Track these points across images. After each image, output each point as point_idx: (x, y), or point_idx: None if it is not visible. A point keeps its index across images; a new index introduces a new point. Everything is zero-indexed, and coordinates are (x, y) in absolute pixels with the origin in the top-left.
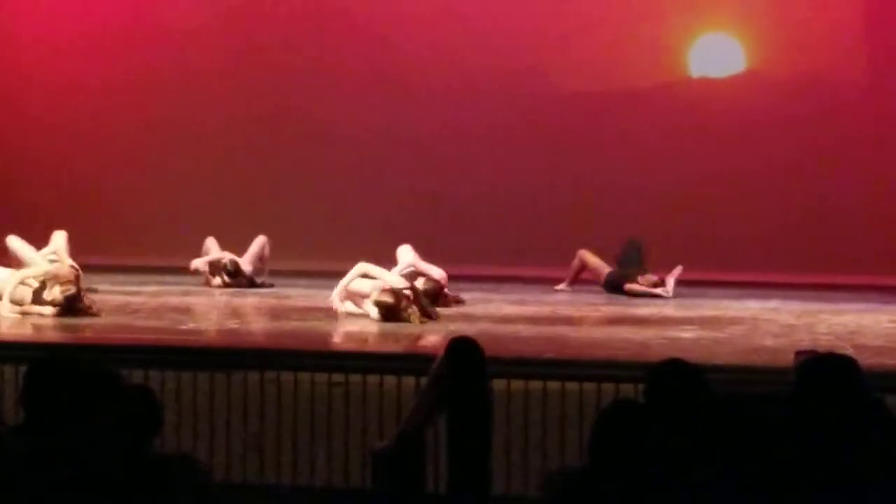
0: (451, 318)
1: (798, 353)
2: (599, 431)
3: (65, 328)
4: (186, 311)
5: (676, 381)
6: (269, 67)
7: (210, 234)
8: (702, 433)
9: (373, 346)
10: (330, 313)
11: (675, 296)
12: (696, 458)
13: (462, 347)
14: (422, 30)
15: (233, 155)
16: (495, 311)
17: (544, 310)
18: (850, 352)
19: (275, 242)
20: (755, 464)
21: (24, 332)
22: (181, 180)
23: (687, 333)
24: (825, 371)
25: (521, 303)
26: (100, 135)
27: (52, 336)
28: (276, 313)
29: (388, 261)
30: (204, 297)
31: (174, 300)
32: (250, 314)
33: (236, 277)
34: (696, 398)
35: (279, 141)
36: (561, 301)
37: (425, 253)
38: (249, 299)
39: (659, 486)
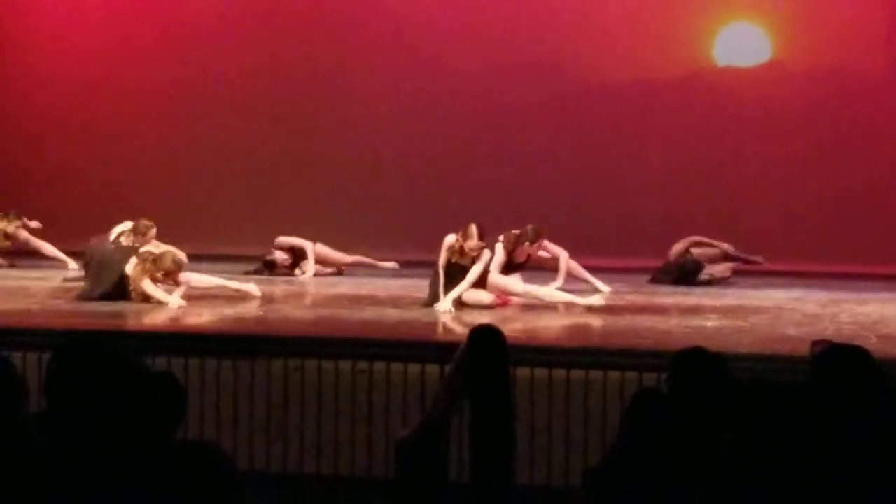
0: (475, 307)
1: (815, 343)
2: (629, 420)
3: (89, 315)
4: (208, 299)
5: (699, 369)
6: (283, 66)
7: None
8: (725, 420)
9: (397, 334)
10: (353, 301)
11: (698, 284)
12: (719, 444)
13: (485, 335)
14: (440, 22)
15: (246, 154)
16: (519, 300)
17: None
18: (874, 342)
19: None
20: (775, 451)
21: (47, 319)
22: (196, 178)
23: (710, 322)
24: (840, 361)
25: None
26: (117, 135)
27: (75, 323)
28: (300, 301)
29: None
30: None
31: (194, 292)
32: (275, 302)
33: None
34: (719, 386)
35: (292, 137)
36: (585, 290)
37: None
38: (275, 287)
39: (685, 472)
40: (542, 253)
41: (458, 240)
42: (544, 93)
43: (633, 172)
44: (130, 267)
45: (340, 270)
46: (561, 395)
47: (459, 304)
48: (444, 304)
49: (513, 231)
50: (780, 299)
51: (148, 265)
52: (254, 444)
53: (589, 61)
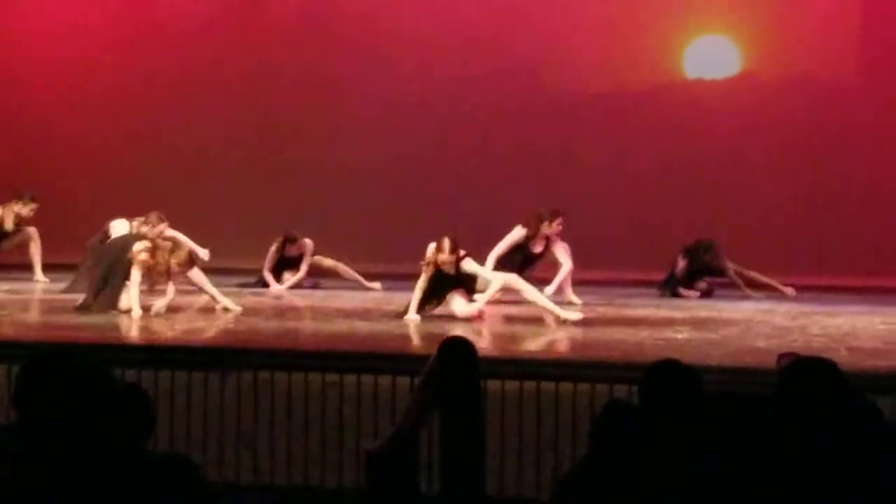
0: (446, 318)
1: (781, 356)
2: (597, 433)
3: (59, 327)
4: (181, 310)
5: (672, 382)
6: (270, 74)
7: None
8: (695, 433)
9: (367, 346)
10: (323, 314)
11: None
12: (690, 456)
13: (454, 347)
14: (419, 31)
15: (234, 160)
16: (491, 311)
17: (537, 311)
18: (843, 354)
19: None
20: (744, 463)
21: (17, 331)
22: (179, 186)
23: (681, 334)
24: (805, 374)
25: (517, 303)
26: (97, 146)
27: (45, 335)
28: (272, 313)
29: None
30: (196, 297)
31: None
32: (247, 314)
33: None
34: (691, 398)
35: (278, 145)
36: (556, 301)
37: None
38: (246, 299)
39: (655, 484)
40: (555, 249)
41: (433, 252)
42: (519, 101)
43: (606, 183)
44: (136, 248)
45: (316, 283)
46: (531, 408)
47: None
48: (410, 314)
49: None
50: (750, 312)
51: (160, 253)
52: (224, 456)
53: (564, 71)
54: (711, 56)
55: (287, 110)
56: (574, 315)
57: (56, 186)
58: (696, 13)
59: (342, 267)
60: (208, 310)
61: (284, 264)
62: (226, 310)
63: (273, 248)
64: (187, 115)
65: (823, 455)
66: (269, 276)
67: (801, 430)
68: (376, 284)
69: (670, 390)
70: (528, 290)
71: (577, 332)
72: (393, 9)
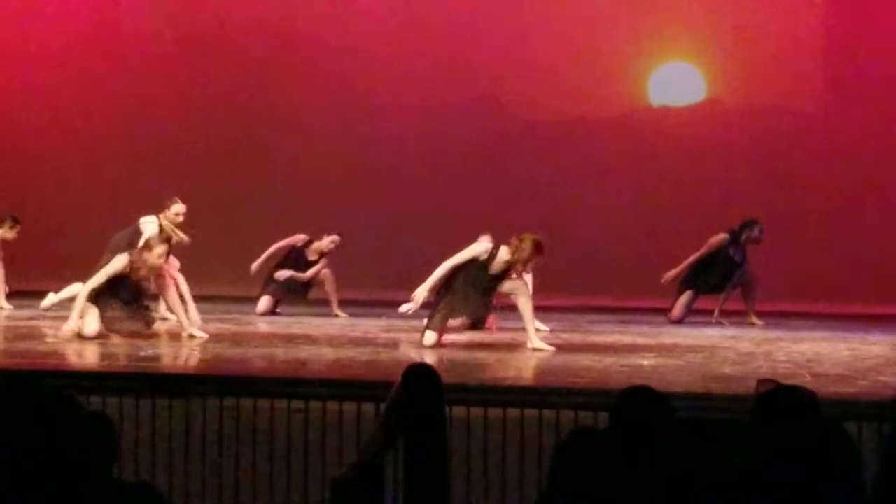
0: (411, 344)
1: (761, 382)
2: (558, 460)
3: (21, 355)
4: (147, 336)
5: (644, 408)
6: (242, 98)
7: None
8: (665, 459)
9: (332, 373)
10: (288, 340)
11: (633, 322)
12: (659, 484)
13: (418, 374)
14: (379, 61)
15: (207, 179)
16: (456, 338)
17: (504, 336)
18: (808, 379)
19: (241, 268)
20: (711, 490)
21: None
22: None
23: (647, 361)
24: (785, 403)
25: (482, 329)
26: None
27: (8, 362)
28: (236, 339)
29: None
30: (163, 323)
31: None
32: (210, 340)
33: None
34: (662, 426)
35: (248, 164)
36: (520, 328)
37: (389, 279)
38: (210, 325)
39: None
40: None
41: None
42: (484, 129)
43: (570, 210)
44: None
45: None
46: (497, 435)
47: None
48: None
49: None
50: (715, 338)
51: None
52: (189, 484)
53: (529, 98)
54: (677, 83)
55: (255, 137)
56: (546, 346)
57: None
58: (661, 40)
59: (331, 280)
60: (174, 335)
61: (293, 264)
62: (191, 336)
63: (289, 243)
64: (164, 134)
65: (796, 485)
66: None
67: (775, 459)
68: (342, 313)
69: (643, 416)
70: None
71: (543, 359)
72: (361, 36)
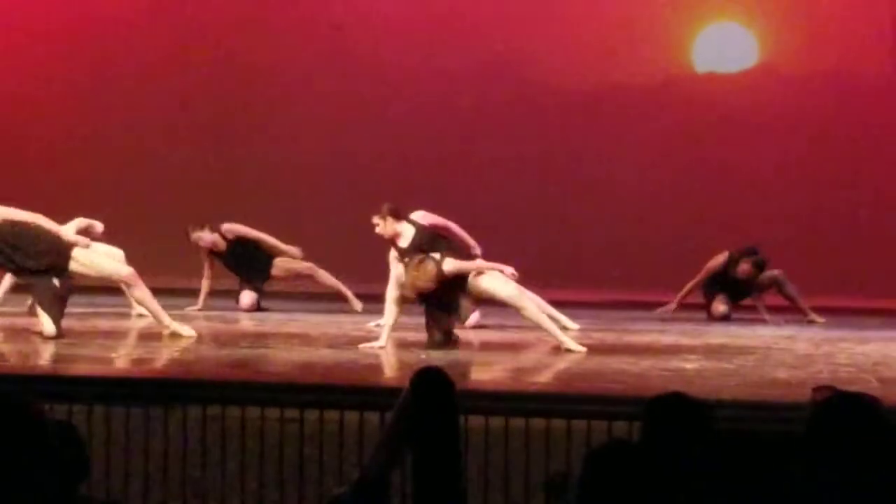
0: (421, 345)
1: (816, 390)
2: (589, 477)
3: None
4: (118, 336)
5: (677, 418)
6: (223, 67)
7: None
8: (705, 476)
9: (332, 378)
10: (282, 340)
11: (676, 320)
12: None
13: (429, 379)
14: (389, 18)
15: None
16: (472, 338)
17: (528, 336)
18: (874, 385)
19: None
20: None
21: None
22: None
23: (690, 364)
24: (844, 413)
25: (501, 328)
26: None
27: None
28: (222, 340)
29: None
30: (137, 321)
31: (104, 324)
32: (193, 341)
33: None
34: (698, 437)
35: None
36: (529, 325)
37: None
38: (193, 323)
39: None
40: None
41: None
42: (500, 100)
43: (603, 190)
44: None
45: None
46: (519, 448)
47: None
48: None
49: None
50: (769, 338)
51: None
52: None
53: (551, 65)
54: (725, 46)
55: (242, 106)
56: (577, 346)
57: None
58: None
59: (321, 273)
60: (152, 335)
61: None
62: (174, 335)
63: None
64: (129, 118)
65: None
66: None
67: (836, 476)
68: (359, 304)
69: (674, 427)
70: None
71: (571, 362)
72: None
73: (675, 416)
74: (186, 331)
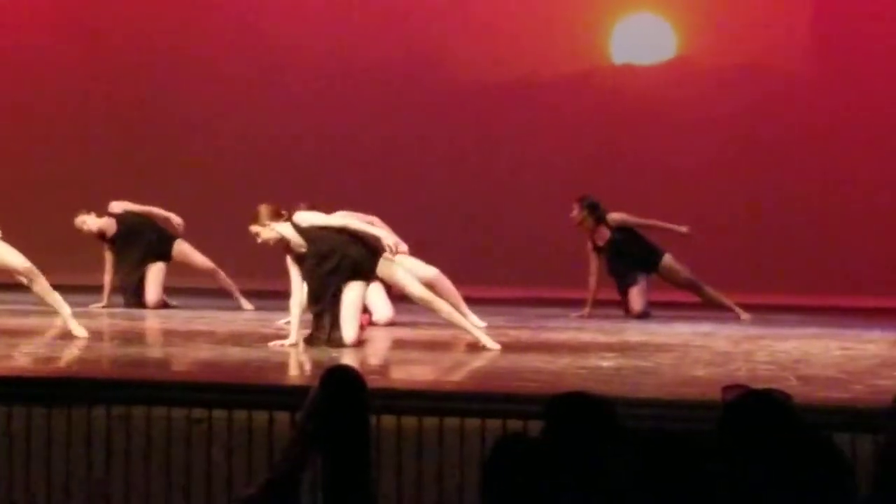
0: (331, 343)
1: (725, 389)
2: (490, 471)
3: None
4: (19, 334)
5: (578, 416)
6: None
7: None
8: (619, 475)
9: (240, 377)
10: (188, 338)
11: (592, 317)
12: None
13: (339, 377)
14: (305, 12)
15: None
16: (385, 335)
17: (443, 334)
18: (793, 383)
19: None
20: None
21: None
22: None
23: (607, 362)
24: (755, 411)
25: (415, 325)
26: None
27: None
28: (128, 338)
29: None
30: (43, 318)
31: (6, 321)
32: (97, 338)
33: None
34: (603, 434)
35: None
36: (442, 322)
37: None
38: (98, 321)
39: None
40: None
41: None
42: (415, 93)
43: (518, 184)
44: None
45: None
46: (432, 447)
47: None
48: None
49: None
50: (687, 335)
51: None
52: None
53: (467, 57)
54: (642, 38)
55: (152, 100)
56: (493, 343)
57: None
58: None
59: (221, 273)
60: (56, 334)
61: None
62: (69, 334)
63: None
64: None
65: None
66: None
67: (749, 474)
68: (249, 305)
69: (576, 425)
70: (442, 305)
71: (486, 360)
72: None
73: (575, 414)
74: (79, 330)
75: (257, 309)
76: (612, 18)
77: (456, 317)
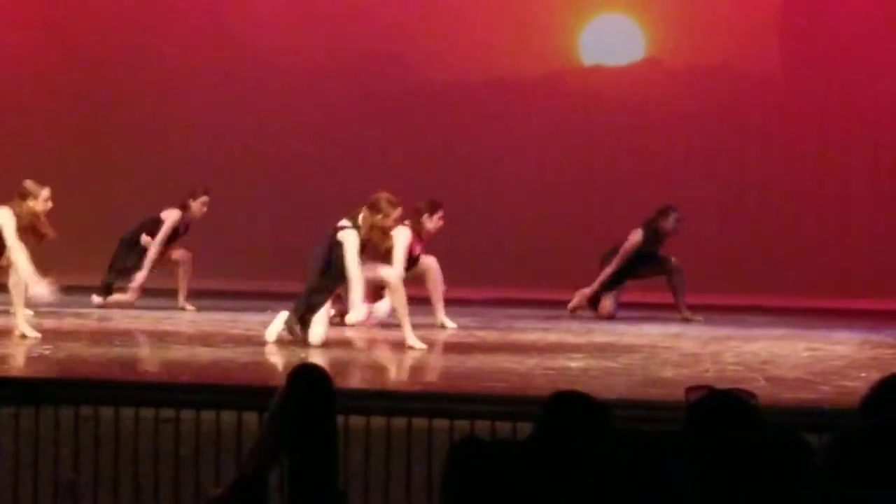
0: (299, 343)
1: (689, 390)
2: (450, 475)
3: None
4: None
5: (577, 419)
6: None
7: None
8: (596, 475)
9: (208, 377)
10: (156, 339)
11: (560, 318)
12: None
13: (306, 377)
14: (287, 9)
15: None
16: (354, 336)
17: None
18: (761, 384)
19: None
20: None
21: None
22: None
23: (576, 363)
24: (718, 412)
25: (383, 325)
26: None
27: None
28: (95, 338)
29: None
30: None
31: None
32: (65, 338)
33: None
34: (597, 438)
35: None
36: (429, 324)
37: (275, 266)
38: (66, 321)
39: None
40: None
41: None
42: (384, 94)
43: (487, 185)
44: None
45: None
46: (401, 448)
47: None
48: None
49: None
50: (656, 336)
51: None
52: None
53: (436, 58)
54: (612, 39)
55: (117, 97)
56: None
57: None
58: None
59: (186, 268)
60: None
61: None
62: (23, 336)
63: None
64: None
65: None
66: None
67: (714, 474)
68: (191, 306)
69: (576, 428)
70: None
71: (455, 361)
72: None
73: (575, 417)
74: (31, 332)
75: (227, 309)
76: (582, 20)
77: (404, 315)
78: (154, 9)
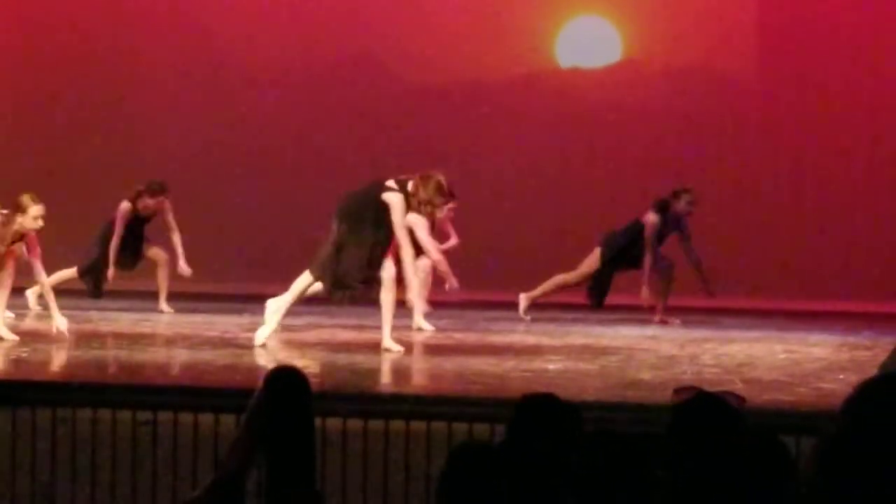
0: (279, 345)
1: (677, 391)
2: (448, 480)
3: None
4: None
5: (547, 421)
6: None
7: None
8: (571, 479)
9: (186, 379)
10: (133, 340)
11: (538, 320)
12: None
13: (283, 378)
14: (244, 11)
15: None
16: (329, 338)
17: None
18: (738, 386)
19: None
20: None
21: None
22: None
23: (553, 365)
24: (706, 413)
25: (360, 328)
26: None
27: None
28: (74, 340)
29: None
30: None
31: None
32: (43, 340)
33: None
34: (568, 440)
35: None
36: (407, 326)
37: (252, 269)
38: (43, 323)
39: None
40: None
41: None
42: (360, 95)
43: (464, 187)
44: None
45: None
46: (378, 450)
47: None
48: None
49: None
50: (633, 338)
51: None
52: None
53: (412, 60)
54: (588, 41)
55: (106, 101)
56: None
57: None
58: None
59: (164, 271)
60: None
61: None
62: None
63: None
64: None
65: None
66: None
67: (693, 476)
68: (169, 309)
69: (546, 430)
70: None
71: (432, 363)
72: None
73: (545, 419)
74: (8, 335)
75: (203, 311)
76: (558, 22)
77: (389, 314)
78: (133, 10)
